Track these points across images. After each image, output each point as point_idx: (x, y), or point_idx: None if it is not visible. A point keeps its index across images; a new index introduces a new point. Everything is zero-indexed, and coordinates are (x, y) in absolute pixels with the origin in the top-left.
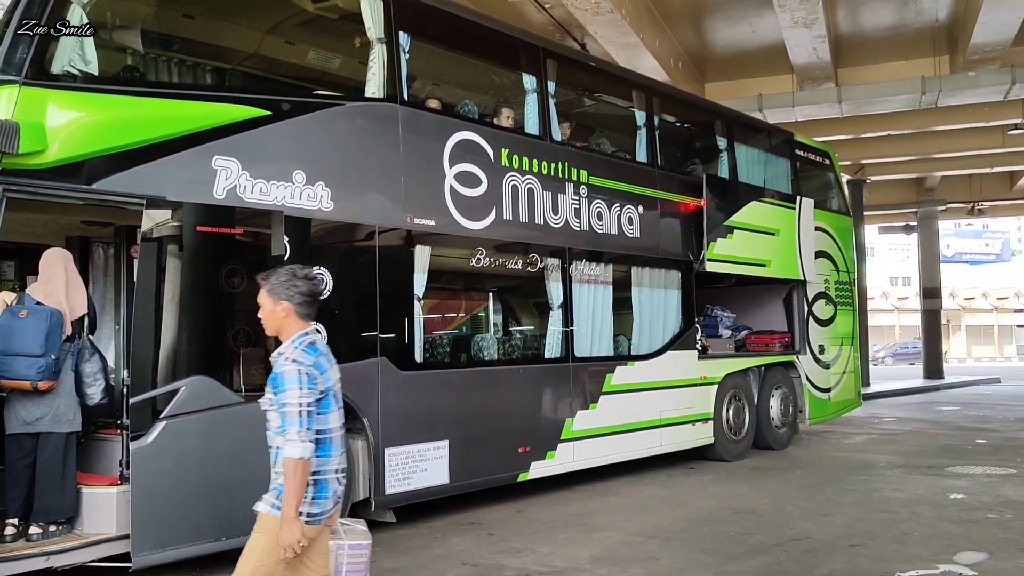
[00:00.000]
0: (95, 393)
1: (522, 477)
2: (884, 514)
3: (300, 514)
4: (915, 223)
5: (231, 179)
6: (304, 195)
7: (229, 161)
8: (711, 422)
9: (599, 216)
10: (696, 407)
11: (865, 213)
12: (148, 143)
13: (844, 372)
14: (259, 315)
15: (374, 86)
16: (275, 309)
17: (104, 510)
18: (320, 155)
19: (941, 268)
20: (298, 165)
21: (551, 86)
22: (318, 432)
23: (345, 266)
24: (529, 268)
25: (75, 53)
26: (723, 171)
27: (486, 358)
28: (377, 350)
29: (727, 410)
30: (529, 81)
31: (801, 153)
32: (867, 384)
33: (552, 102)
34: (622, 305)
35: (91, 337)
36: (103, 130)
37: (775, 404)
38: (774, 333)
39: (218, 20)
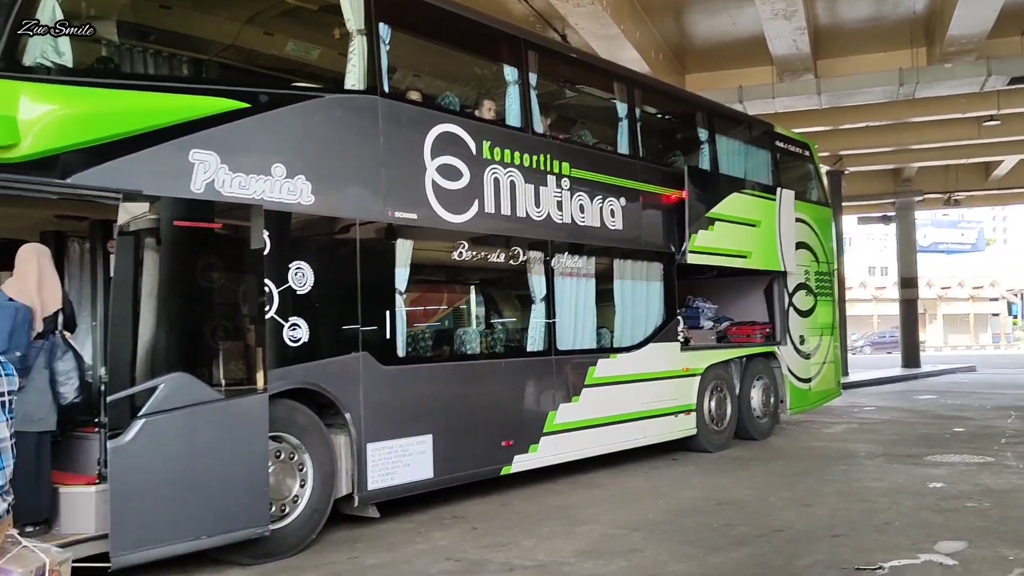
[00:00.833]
0: (68, 392)
1: (505, 471)
2: (865, 504)
3: None
4: (893, 213)
5: (209, 173)
6: (284, 189)
7: (207, 154)
8: (693, 413)
9: (581, 208)
10: (679, 399)
11: (844, 204)
12: (124, 136)
13: (824, 362)
14: None
15: (354, 78)
16: None
17: (82, 510)
18: (300, 148)
19: (918, 258)
20: (278, 158)
21: (532, 78)
22: None
23: (326, 260)
24: (511, 261)
25: (48, 45)
26: (704, 163)
27: (469, 352)
28: (359, 344)
29: (709, 401)
30: (511, 73)
31: (781, 145)
32: (846, 373)
33: (534, 94)
34: (604, 297)
35: (66, 334)
36: (78, 123)
37: (756, 395)
38: (755, 324)
39: (195, 10)
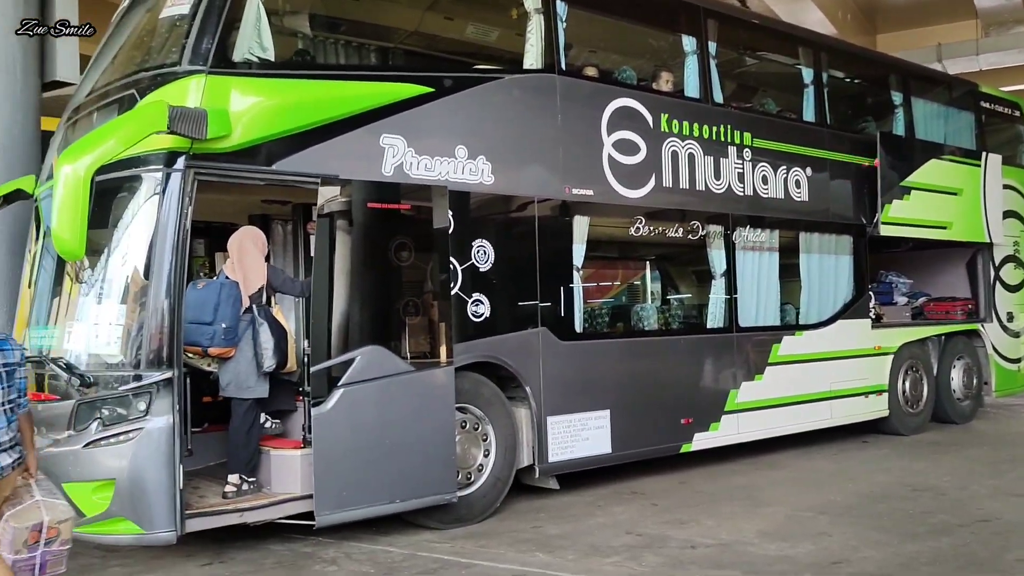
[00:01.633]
0: (265, 361)
1: (685, 448)
2: None
3: None
4: None
5: (398, 156)
6: (466, 169)
7: (396, 139)
8: (886, 394)
9: (764, 180)
10: (869, 378)
11: None
12: (321, 124)
13: None
14: None
15: (532, 57)
16: None
17: (290, 472)
18: (481, 129)
19: None
20: (460, 140)
21: (712, 47)
22: None
23: (505, 238)
24: (690, 236)
25: (253, 41)
26: (898, 128)
27: (646, 328)
28: (538, 320)
29: (903, 381)
30: (689, 43)
31: (987, 105)
32: None
33: (713, 63)
34: (789, 272)
35: (275, 307)
36: (280, 113)
37: (956, 375)
38: (956, 300)
39: (380, 0)
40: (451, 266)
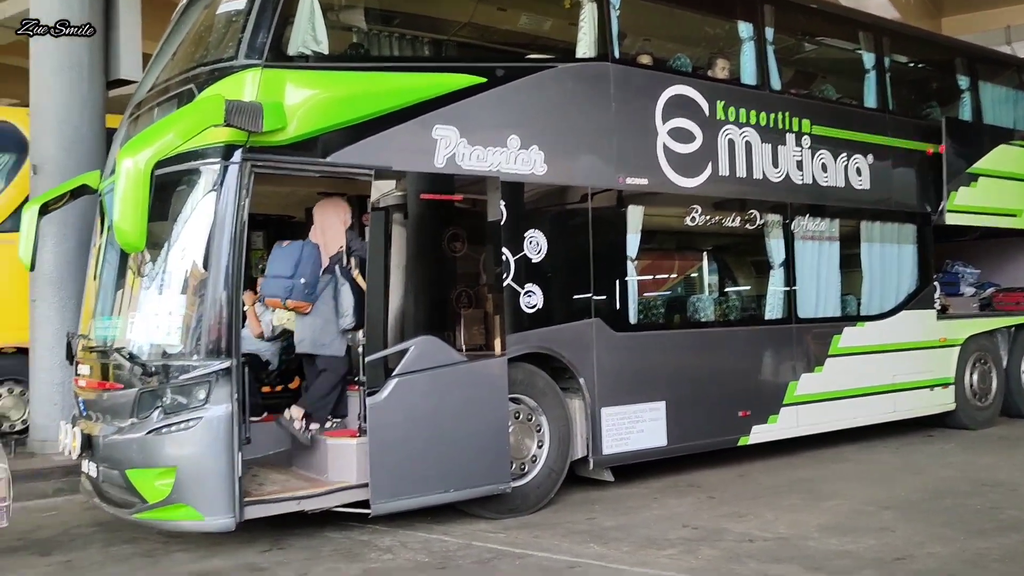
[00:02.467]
0: (345, 321)
1: (743, 441)
2: None
3: None
4: None
5: (450, 147)
6: (519, 160)
7: (448, 130)
8: (952, 387)
9: (823, 168)
10: (935, 371)
11: None
12: (375, 116)
13: None
14: None
15: (585, 46)
16: None
17: (346, 460)
18: (533, 119)
19: None
20: (512, 130)
21: (769, 33)
22: None
23: (559, 229)
24: (747, 225)
25: (308, 35)
26: (965, 113)
27: (702, 319)
28: (591, 311)
29: (971, 374)
30: (745, 29)
31: None
32: None
33: (771, 50)
34: (850, 262)
35: (349, 270)
36: (334, 106)
37: None
38: None
39: None
40: (503, 257)
